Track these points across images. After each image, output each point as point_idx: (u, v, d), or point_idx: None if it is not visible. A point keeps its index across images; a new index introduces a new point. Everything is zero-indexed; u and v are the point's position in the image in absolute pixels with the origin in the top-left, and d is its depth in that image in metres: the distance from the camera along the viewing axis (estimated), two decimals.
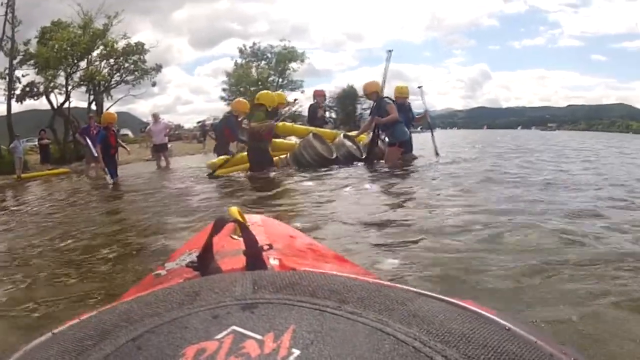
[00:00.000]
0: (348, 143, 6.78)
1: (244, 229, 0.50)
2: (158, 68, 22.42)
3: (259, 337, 0.25)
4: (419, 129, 9.86)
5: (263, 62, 33.72)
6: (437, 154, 7.04)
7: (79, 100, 20.84)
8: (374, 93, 6.60)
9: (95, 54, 20.28)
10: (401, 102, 6.64)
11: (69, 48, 19.02)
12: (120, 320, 0.28)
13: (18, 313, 1.66)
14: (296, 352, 0.23)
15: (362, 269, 0.75)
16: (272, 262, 0.55)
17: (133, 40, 21.34)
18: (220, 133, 7.73)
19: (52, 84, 19.26)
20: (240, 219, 0.52)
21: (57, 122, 19.20)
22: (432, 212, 2.78)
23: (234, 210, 0.52)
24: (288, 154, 6.60)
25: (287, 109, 8.66)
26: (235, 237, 0.66)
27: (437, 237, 2.15)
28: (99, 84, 20.55)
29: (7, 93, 18.42)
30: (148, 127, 12.71)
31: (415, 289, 0.32)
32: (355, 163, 6.46)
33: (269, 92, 7.53)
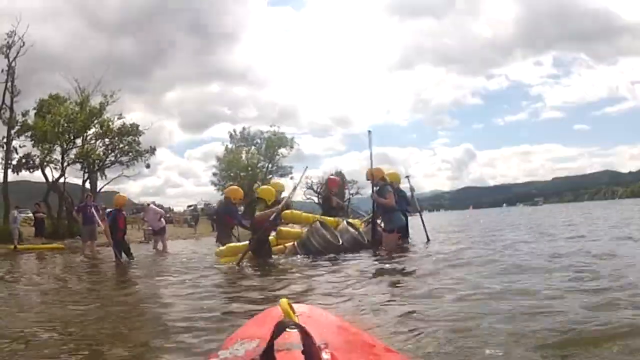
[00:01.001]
0: (351, 229, 7.05)
1: (302, 333, 0.54)
2: (152, 150, 22.22)
3: None
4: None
5: (253, 147, 34.21)
6: (427, 239, 7.60)
7: (72, 176, 20.45)
8: (381, 179, 7.19)
9: (91, 132, 20.30)
10: (397, 188, 7.36)
11: (66, 124, 19.07)
12: None
13: None
14: None
15: None
16: (325, 357, 0.58)
17: (127, 120, 21.35)
18: (221, 221, 7.88)
19: (47, 158, 19.24)
20: (290, 310, 0.58)
21: (51, 197, 18.96)
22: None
23: (284, 302, 0.57)
24: (295, 242, 6.79)
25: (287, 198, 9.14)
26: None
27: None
28: (93, 162, 20.36)
29: (4, 162, 18.37)
30: (143, 214, 13.11)
31: None
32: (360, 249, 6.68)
33: (269, 187, 7.98)
